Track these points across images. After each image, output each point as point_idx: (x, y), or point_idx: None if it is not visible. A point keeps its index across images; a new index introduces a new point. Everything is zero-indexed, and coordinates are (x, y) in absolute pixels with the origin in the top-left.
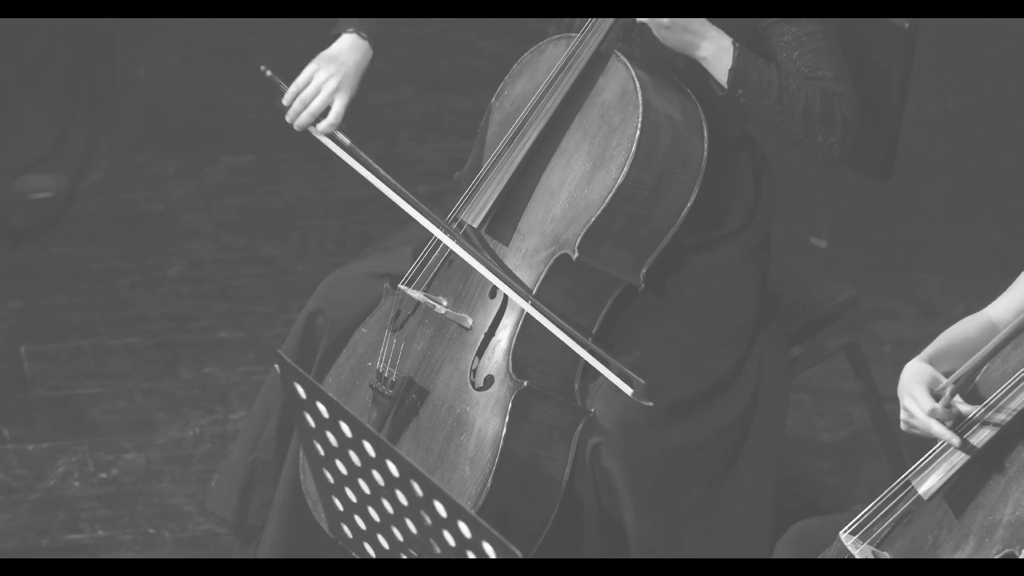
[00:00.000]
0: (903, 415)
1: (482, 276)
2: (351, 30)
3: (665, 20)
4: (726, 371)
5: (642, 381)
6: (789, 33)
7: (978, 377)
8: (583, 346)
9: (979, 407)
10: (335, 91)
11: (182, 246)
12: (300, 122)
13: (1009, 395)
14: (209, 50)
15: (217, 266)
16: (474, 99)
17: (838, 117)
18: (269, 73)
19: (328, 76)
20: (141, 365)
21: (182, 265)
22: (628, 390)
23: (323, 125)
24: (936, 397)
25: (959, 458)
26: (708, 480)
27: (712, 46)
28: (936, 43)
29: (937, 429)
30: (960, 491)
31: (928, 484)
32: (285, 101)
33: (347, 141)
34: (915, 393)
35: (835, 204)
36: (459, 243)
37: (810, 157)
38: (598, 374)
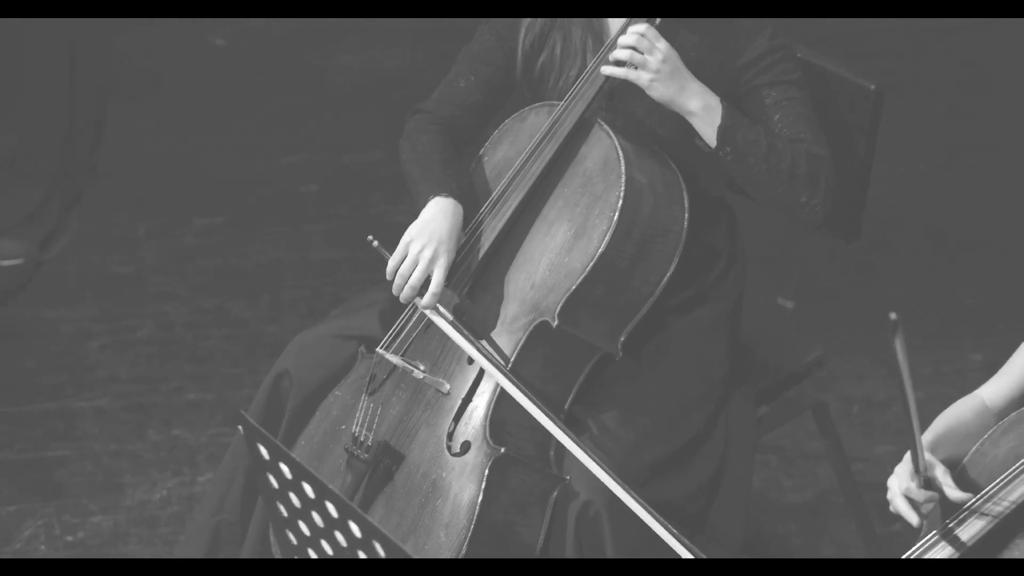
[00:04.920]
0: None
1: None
2: (435, 195)
3: (654, 62)
4: (699, 430)
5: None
6: (770, 96)
7: (965, 460)
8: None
9: (973, 496)
10: (431, 260)
11: (153, 308)
12: (404, 296)
13: (1006, 487)
14: (182, 112)
15: (187, 328)
16: None
17: (822, 179)
18: (376, 244)
19: (422, 246)
20: (109, 427)
21: (152, 327)
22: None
23: (424, 301)
24: (929, 480)
25: (948, 552)
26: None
27: (700, 101)
28: (907, 104)
29: (900, 504)
30: None
31: None
32: (388, 275)
33: (450, 316)
34: (898, 471)
35: (804, 265)
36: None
37: (789, 217)
38: None
